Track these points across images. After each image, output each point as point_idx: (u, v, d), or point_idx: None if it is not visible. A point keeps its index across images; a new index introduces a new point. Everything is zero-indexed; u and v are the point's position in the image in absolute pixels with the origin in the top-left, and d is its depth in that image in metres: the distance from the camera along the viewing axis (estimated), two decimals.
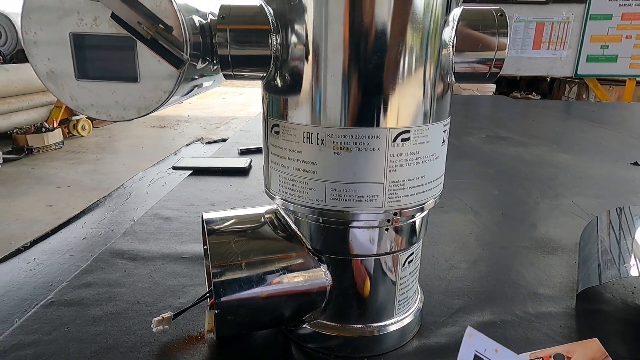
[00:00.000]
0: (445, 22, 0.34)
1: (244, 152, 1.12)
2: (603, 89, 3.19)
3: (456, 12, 0.35)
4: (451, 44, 0.35)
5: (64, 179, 3.15)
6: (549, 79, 3.46)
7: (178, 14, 0.29)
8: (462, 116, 1.71)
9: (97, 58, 0.29)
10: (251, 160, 1.02)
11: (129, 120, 0.30)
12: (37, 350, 0.41)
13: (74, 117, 4.26)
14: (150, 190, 1.16)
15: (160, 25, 0.28)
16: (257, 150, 1.12)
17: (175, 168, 1.01)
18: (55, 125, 4.03)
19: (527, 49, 3.00)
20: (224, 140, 1.59)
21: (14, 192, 2.88)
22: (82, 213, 0.97)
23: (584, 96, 3.29)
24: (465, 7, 0.35)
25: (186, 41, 0.29)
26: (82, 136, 4.35)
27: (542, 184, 0.92)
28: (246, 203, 0.81)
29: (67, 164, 3.51)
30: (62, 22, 0.28)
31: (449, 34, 0.34)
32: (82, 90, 0.30)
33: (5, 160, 3.36)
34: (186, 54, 0.29)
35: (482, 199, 0.83)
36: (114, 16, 0.27)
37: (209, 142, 2.08)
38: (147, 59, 0.29)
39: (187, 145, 1.69)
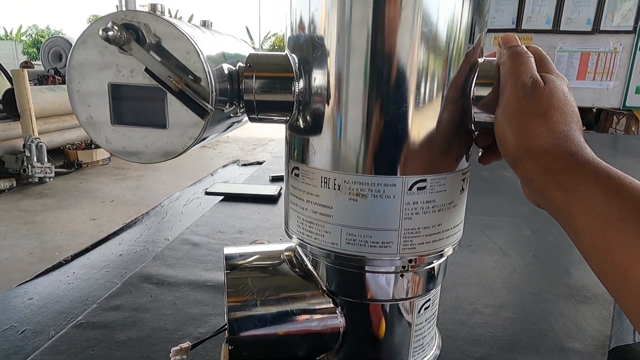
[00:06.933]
0: (464, 74, 0.34)
1: (274, 179, 1.14)
2: None
3: (476, 64, 0.35)
4: (471, 94, 0.35)
5: (108, 193, 3.32)
6: (594, 110, 3.34)
7: (205, 66, 0.31)
8: None
9: (131, 106, 0.32)
10: (281, 188, 1.04)
11: (156, 162, 0.32)
12: None
13: None
14: (186, 210, 1.20)
15: (189, 76, 0.31)
16: None
17: (207, 193, 1.04)
18: None
19: (571, 79, 2.92)
20: (259, 163, 1.63)
21: (62, 204, 3.06)
22: (121, 230, 1.01)
23: (633, 128, 3.14)
24: (485, 59, 0.35)
25: (212, 92, 0.31)
26: None
27: None
28: (272, 232, 0.82)
29: (112, 179, 3.69)
30: (102, 74, 0.31)
31: (468, 84, 0.35)
32: (116, 134, 0.32)
33: (57, 174, 3.58)
34: (211, 105, 0.31)
35: (513, 239, 0.81)
36: (147, 70, 0.29)
37: (244, 165, 2.14)
38: (175, 108, 0.31)
39: (223, 166, 1.73)
